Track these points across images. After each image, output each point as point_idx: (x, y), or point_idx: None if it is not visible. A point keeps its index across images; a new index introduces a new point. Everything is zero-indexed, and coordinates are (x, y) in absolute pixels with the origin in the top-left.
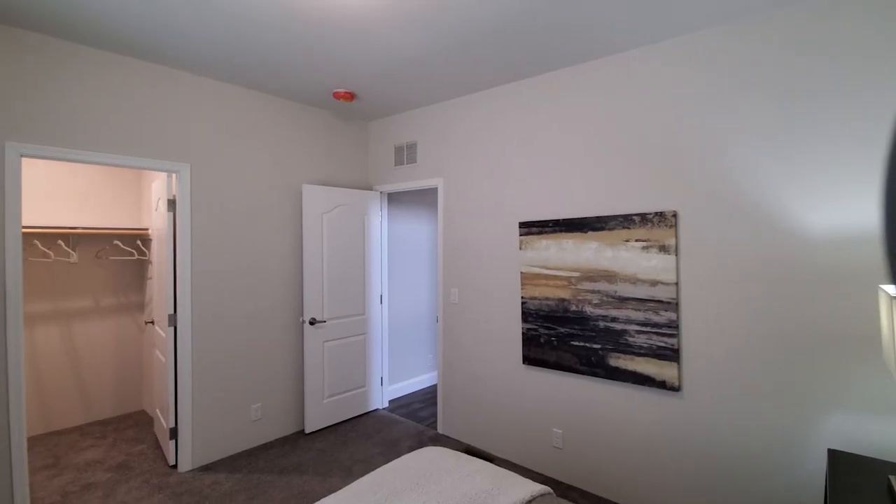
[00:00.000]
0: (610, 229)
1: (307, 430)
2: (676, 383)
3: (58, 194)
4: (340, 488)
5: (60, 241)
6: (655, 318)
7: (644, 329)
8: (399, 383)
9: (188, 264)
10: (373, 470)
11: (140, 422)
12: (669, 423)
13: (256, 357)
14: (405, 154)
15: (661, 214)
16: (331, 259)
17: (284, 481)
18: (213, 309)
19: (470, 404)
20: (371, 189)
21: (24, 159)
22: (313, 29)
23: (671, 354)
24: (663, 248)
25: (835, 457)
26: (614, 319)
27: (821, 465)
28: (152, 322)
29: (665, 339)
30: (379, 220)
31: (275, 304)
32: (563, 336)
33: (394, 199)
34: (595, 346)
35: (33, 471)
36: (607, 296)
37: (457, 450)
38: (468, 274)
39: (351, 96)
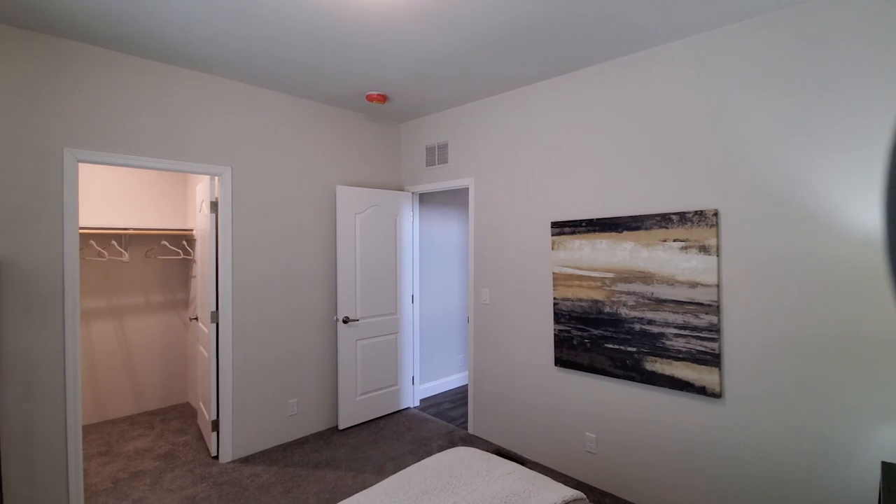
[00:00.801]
0: (646, 229)
1: (340, 427)
2: (717, 389)
3: (110, 197)
4: (372, 484)
5: (114, 242)
6: (695, 322)
7: (682, 332)
8: (429, 383)
9: (229, 263)
10: (404, 468)
11: (185, 413)
12: (709, 431)
13: (292, 353)
14: (436, 154)
15: (701, 213)
16: (363, 259)
17: (318, 475)
18: (253, 306)
19: (501, 405)
20: (403, 190)
21: (80, 164)
22: (346, 34)
23: (711, 359)
24: (703, 249)
25: (890, 470)
26: (651, 322)
27: (874, 477)
28: (196, 318)
29: (705, 343)
30: (410, 221)
31: (310, 303)
32: (596, 338)
33: (425, 199)
34: (630, 349)
35: (87, 457)
36: (643, 297)
37: (487, 451)
38: (499, 274)
39: (383, 98)
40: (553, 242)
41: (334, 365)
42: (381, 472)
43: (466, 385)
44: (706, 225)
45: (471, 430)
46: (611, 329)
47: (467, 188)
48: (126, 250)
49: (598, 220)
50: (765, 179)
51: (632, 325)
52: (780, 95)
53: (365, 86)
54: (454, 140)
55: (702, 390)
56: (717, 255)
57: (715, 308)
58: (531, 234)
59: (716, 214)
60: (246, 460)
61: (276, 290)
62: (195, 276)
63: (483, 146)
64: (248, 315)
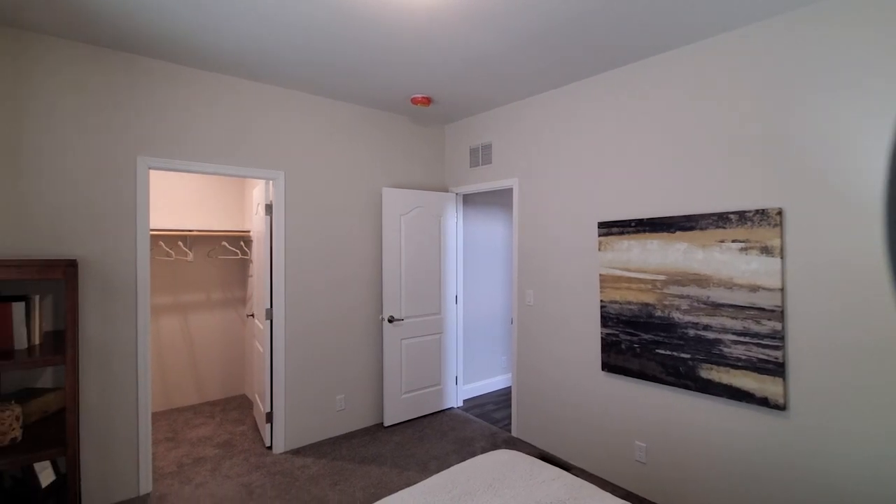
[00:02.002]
0: (701, 229)
1: (386, 424)
2: (781, 401)
3: (176, 201)
4: (416, 482)
5: (180, 242)
6: (756, 328)
7: (742, 339)
8: (473, 384)
9: (282, 263)
10: (447, 467)
11: (242, 405)
12: (771, 445)
13: (340, 351)
14: (480, 155)
15: (762, 212)
16: (408, 260)
17: (364, 470)
18: (303, 304)
19: (545, 409)
20: (447, 191)
21: (150, 171)
22: (389, 38)
23: (775, 368)
24: (766, 250)
25: None
26: (706, 327)
27: None
28: (252, 315)
29: (767, 350)
30: (454, 221)
31: (356, 302)
32: (646, 343)
33: (469, 200)
34: (684, 355)
35: (155, 442)
36: (698, 301)
37: (531, 454)
38: (544, 275)
39: (428, 101)
40: (600, 243)
41: (380, 363)
42: (425, 471)
43: (510, 387)
44: (768, 224)
45: (514, 433)
46: (662, 334)
47: (511, 188)
48: (190, 250)
49: (648, 219)
50: (836, 176)
51: (685, 331)
52: (855, 87)
53: (409, 89)
54: (498, 140)
55: (763, 401)
56: (781, 257)
57: (778, 314)
58: (577, 235)
59: (780, 213)
60: (297, 452)
61: (325, 288)
62: (252, 276)
63: (527, 146)
64: (299, 312)
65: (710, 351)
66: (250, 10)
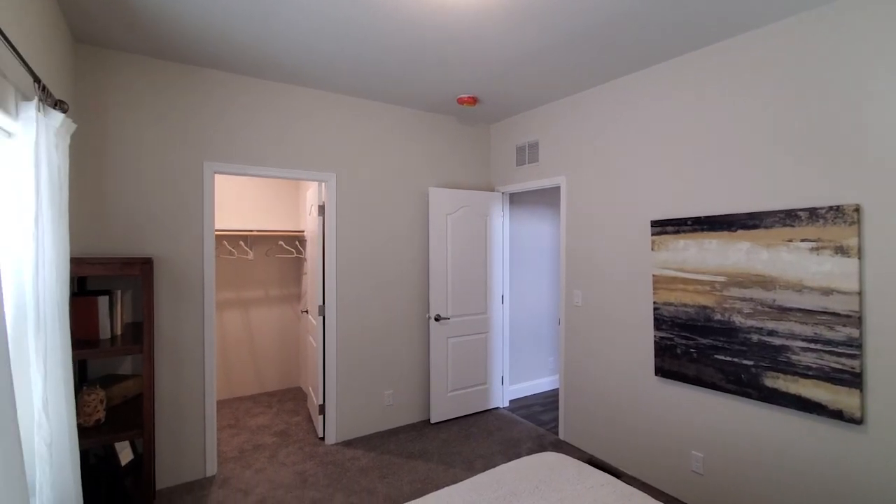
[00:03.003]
0: (766, 227)
1: (432, 420)
2: (857, 414)
3: (238, 203)
4: (462, 479)
5: (241, 242)
6: (829, 335)
7: (812, 346)
8: (519, 384)
9: (334, 262)
10: (493, 467)
11: (297, 397)
12: (845, 461)
13: (389, 348)
14: (526, 154)
15: (837, 209)
16: (454, 259)
17: (411, 465)
18: (354, 302)
19: (594, 412)
20: (493, 190)
21: (215, 175)
22: (434, 41)
23: (850, 379)
24: (840, 250)
25: None
26: (771, 333)
27: None
28: (306, 311)
29: (842, 359)
30: (500, 221)
31: (404, 300)
32: (704, 348)
33: (515, 199)
34: (746, 362)
35: (219, 429)
36: (762, 305)
37: (579, 459)
38: (592, 275)
39: (474, 101)
40: (653, 242)
41: (426, 361)
42: (471, 469)
43: (557, 389)
44: (844, 222)
45: (561, 436)
46: (722, 339)
47: (558, 187)
48: (251, 249)
49: (706, 217)
50: None
51: (748, 336)
52: None
53: (456, 89)
54: (545, 138)
55: (837, 414)
56: (859, 258)
57: (855, 319)
58: (628, 234)
59: (857, 210)
60: (348, 444)
61: (374, 286)
62: (305, 273)
63: (575, 143)
64: (349, 310)
65: (776, 358)
66: (304, 20)
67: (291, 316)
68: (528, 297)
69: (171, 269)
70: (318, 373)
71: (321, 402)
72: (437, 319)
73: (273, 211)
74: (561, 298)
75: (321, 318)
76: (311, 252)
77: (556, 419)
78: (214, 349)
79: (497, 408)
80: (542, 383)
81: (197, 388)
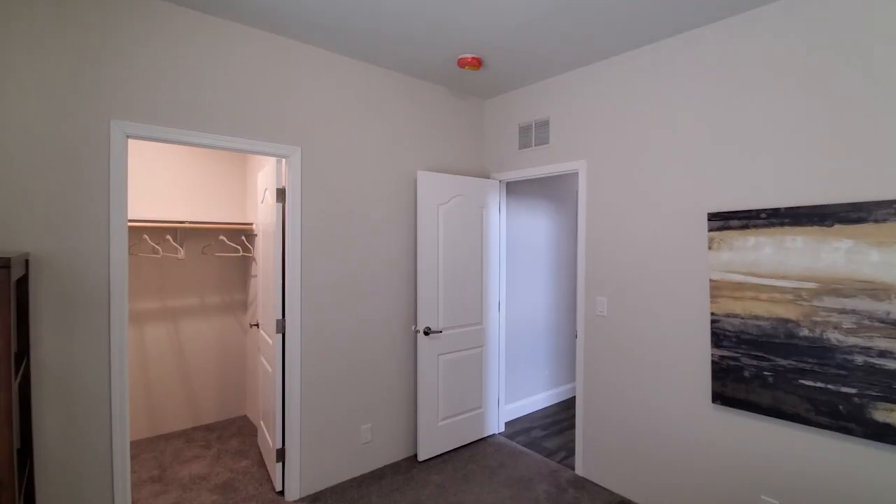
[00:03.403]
0: (877, 221)
1: (420, 457)
2: None
3: (164, 186)
4: None
5: (168, 237)
6: None
7: None
8: (514, 403)
9: (298, 263)
10: None
11: (243, 430)
12: None
13: (366, 371)
14: (533, 134)
15: None
16: (447, 259)
17: None
18: (323, 315)
19: (624, 445)
20: (487, 178)
21: (129, 141)
22: None
23: None
24: None
25: None
26: (884, 354)
27: None
28: (256, 325)
29: None
30: (497, 214)
31: (385, 311)
32: (784, 371)
33: (509, 188)
34: (846, 389)
35: (138, 484)
36: (871, 319)
37: (608, 501)
38: (621, 279)
39: (478, 63)
40: (711, 240)
41: (412, 384)
42: None
43: (552, 406)
44: None
45: (579, 472)
46: (810, 360)
47: (575, 173)
48: (181, 246)
49: (788, 209)
50: None
51: (848, 357)
52: None
53: (457, 46)
54: (558, 115)
55: None
56: None
57: None
58: (672, 230)
59: None
60: (316, 498)
61: (349, 294)
62: (255, 276)
63: (599, 120)
64: (318, 324)
65: (891, 386)
66: None
67: (235, 329)
68: (522, 302)
69: (59, 274)
70: (276, 408)
71: (280, 446)
72: (426, 333)
73: (213, 197)
74: (579, 307)
75: (280, 335)
76: (265, 250)
77: (562, 447)
78: (127, 380)
79: (493, 434)
80: (536, 401)
81: (100, 435)
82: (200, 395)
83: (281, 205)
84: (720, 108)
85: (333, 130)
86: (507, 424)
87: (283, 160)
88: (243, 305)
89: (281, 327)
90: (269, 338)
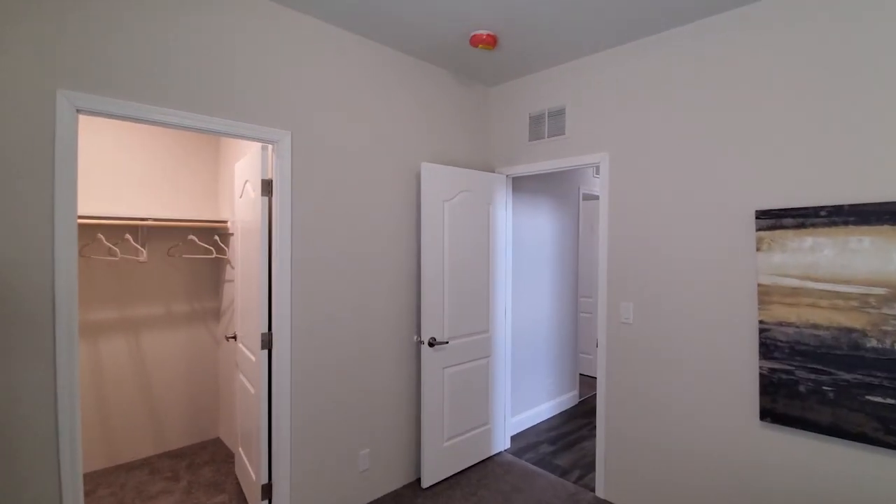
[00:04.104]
0: None
1: (424, 484)
2: None
3: (124, 177)
4: None
5: (128, 236)
6: None
7: None
8: (518, 416)
9: (287, 268)
10: None
11: (217, 455)
12: None
13: (364, 390)
14: (545, 125)
15: None
16: (452, 261)
17: None
18: (317, 327)
19: (652, 465)
20: (493, 172)
21: (80, 117)
22: None
23: None
24: None
25: None
26: None
27: None
28: (234, 338)
29: None
30: (504, 211)
31: (386, 321)
32: (847, 386)
33: (515, 185)
34: None
35: None
36: None
37: None
38: (650, 284)
39: (493, 41)
40: (760, 240)
41: (415, 402)
42: None
43: (555, 417)
44: None
45: (601, 493)
46: (879, 374)
47: (597, 166)
48: (144, 247)
49: (852, 206)
50: None
51: None
52: None
53: (474, 20)
54: (575, 103)
55: None
56: None
57: None
58: (712, 229)
59: None
60: None
61: (345, 304)
62: (231, 281)
63: (623, 109)
64: (311, 338)
65: None
66: None
67: (206, 341)
68: (525, 306)
69: None
70: (260, 437)
71: (265, 482)
72: (431, 345)
73: (183, 189)
74: (601, 314)
75: (265, 351)
76: (245, 251)
77: (575, 464)
78: (78, 402)
79: (500, 452)
80: (540, 412)
81: (46, 474)
82: (166, 417)
83: (266, 199)
84: (773, 93)
85: (328, 113)
86: (513, 439)
87: (270, 147)
88: (216, 314)
89: (267, 342)
90: (250, 354)
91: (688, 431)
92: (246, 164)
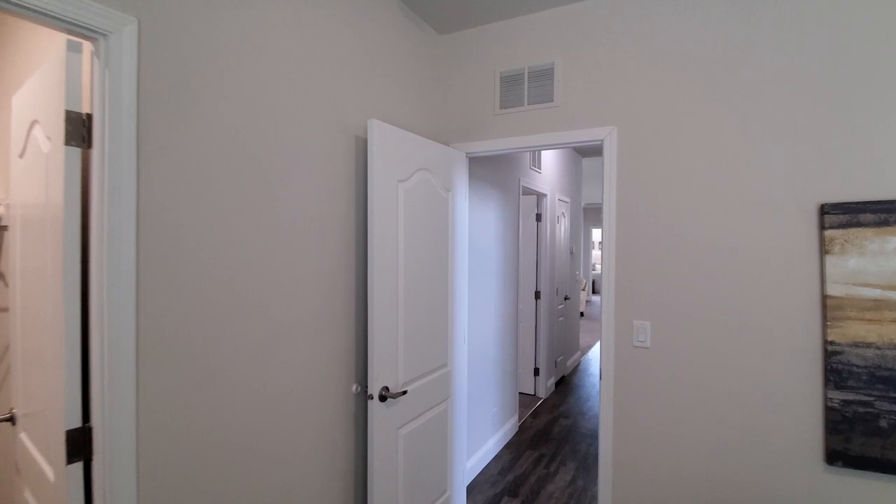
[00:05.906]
0: None
1: None
2: None
3: None
4: None
5: None
6: None
7: None
8: (469, 461)
9: (132, 288)
10: None
11: None
12: None
13: (273, 487)
14: (525, 88)
15: None
16: (409, 272)
17: None
18: (184, 401)
19: None
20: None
21: None
22: None
23: None
24: None
25: None
26: None
27: None
28: (10, 420)
29: None
30: (465, 202)
31: (309, 368)
32: None
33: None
34: None
35: None
36: None
37: None
38: (673, 297)
39: None
40: (828, 240)
41: (354, 484)
42: None
43: (502, 451)
44: None
45: None
46: None
47: (599, 144)
48: None
49: None
50: None
51: None
52: None
53: None
54: (569, 60)
55: None
56: None
57: None
58: (759, 228)
59: None
60: None
61: (239, 346)
62: (3, 311)
63: (637, 70)
64: (170, 426)
65: None
66: None
67: None
68: (477, 322)
69: None
70: None
71: None
72: (382, 399)
73: None
74: (607, 336)
75: (79, 464)
76: (31, 258)
77: None
78: None
79: None
80: (488, 450)
81: None
82: None
83: (79, 152)
84: (846, 54)
85: (218, 18)
86: (470, 489)
87: (88, 44)
88: None
89: (81, 448)
90: (44, 463)
91: (724, 483)
92: (31, 90)
